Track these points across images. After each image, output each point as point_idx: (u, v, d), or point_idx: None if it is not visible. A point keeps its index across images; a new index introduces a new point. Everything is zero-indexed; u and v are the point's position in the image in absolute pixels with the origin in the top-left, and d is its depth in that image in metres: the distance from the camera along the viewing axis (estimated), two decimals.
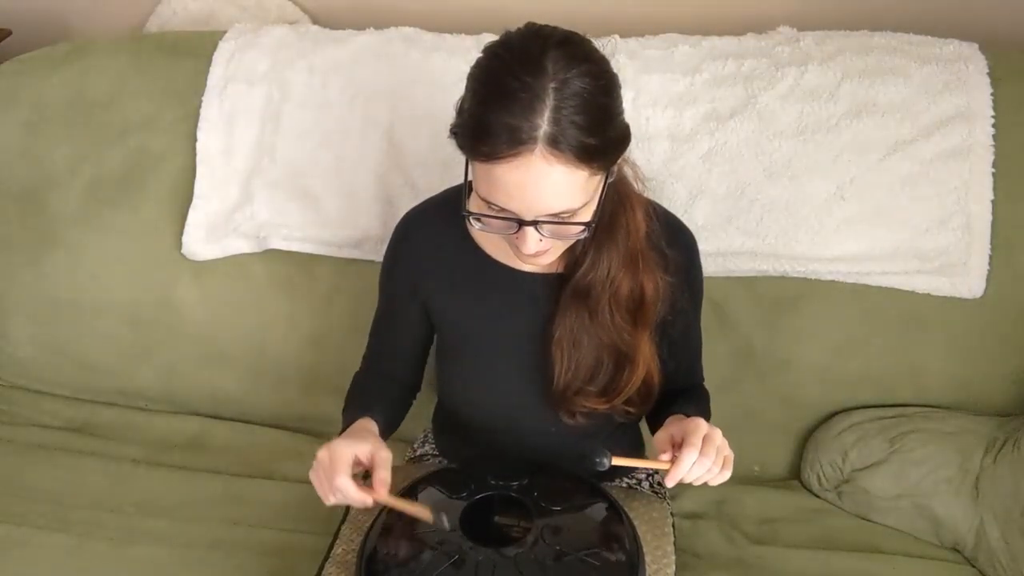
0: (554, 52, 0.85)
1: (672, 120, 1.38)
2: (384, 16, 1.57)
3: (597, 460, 0.92)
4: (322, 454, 0.95)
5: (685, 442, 0.93)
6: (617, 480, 1.26)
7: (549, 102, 0.83)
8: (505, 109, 0.84)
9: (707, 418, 1.11)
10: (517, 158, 0.84)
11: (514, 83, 0.84)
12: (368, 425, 1.06)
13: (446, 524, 0.94)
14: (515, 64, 0.85)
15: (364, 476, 0.98)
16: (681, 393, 1.13)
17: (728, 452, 0.94)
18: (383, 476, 0.95)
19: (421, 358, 1.19)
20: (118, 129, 1.53)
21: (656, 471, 1.31)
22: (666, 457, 0.94)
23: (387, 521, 1.02)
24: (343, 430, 1.06)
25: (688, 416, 0.99)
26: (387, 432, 1.11)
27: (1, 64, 1.63)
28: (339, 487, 0.92)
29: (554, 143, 0.84)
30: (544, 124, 0.83)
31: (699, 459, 0.91)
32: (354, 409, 1.10)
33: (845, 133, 1.34)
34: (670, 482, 0.92)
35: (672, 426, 0.98)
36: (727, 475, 0.94)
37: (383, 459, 0.96)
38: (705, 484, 0.94)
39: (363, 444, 0.97)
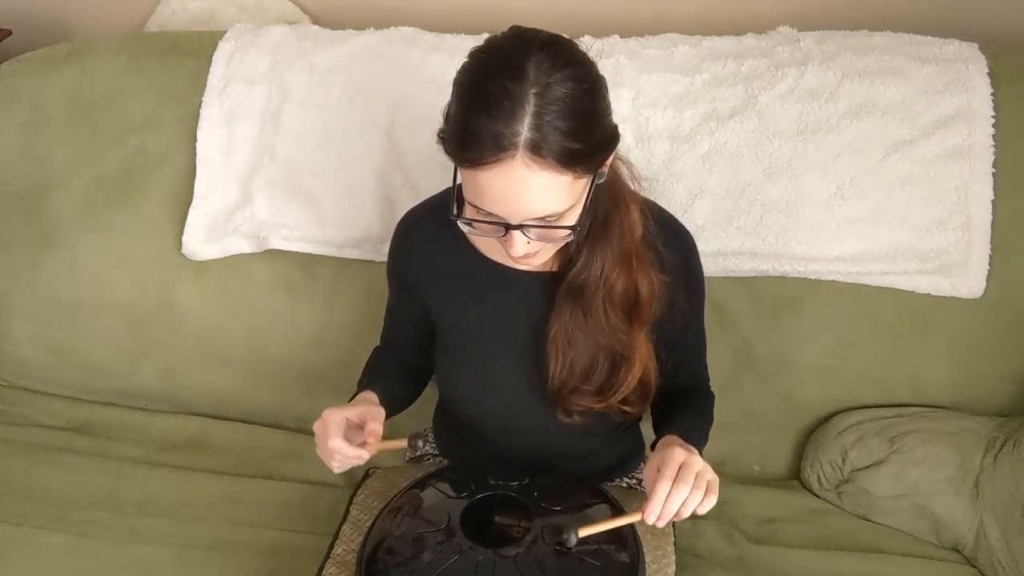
0: (537, 56, 0.85)
1: (672, 120, 1.38)
2: (384, 16, 1.57)
3: (564, 536, 0.93)
4: (316, 426, 1.00)
5: (659, 474, 0.93)
6: (617, 480, 1.26)
7: (530, 108, 0.83)
8: (487, 115, 0.84)
9: (708, 426, 1.12)
10: (499, 164, 0.84)
11: (496, 88, 0.84)
12: (368, 396, 1.09)
13: (420, 444, 0.99)
14: (497, 69, 0.85)
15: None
16: (682, 398, 1.13)
17: (711, 477, 0.93)
18: (372, 428, 1.00)
19: (429, 345, 1.19)
20: (118, 129, 1.53)
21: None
22: (636, 517, 0.94)
23: (387, 521, 1.03)
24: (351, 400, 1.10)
25: (682, 432, 1.01)
26: (396, 405, 1.15)
27: (1, 64, 1.63)
28: (333, 448, 0.97)
29: (535, 149, 0.84)
30: (525, 130, 0.83)
31: (675, 488, 0.91)
32: (364, 383, 1.15)
33: (845, 133, 1.34)
34: (650, 520, 0.92)
35: (657, 456, 0.98)
36: (712, 501, 0.92)
37: (374, 414, 1.01)
38: (694, 516, 0.93)
39: (352, 408, 1.02)
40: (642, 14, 1.58)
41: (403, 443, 1.00)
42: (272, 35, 1.53)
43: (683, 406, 1.11)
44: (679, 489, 0.91)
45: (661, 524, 0.92)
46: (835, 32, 1.42)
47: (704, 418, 1.13)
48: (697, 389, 1.18)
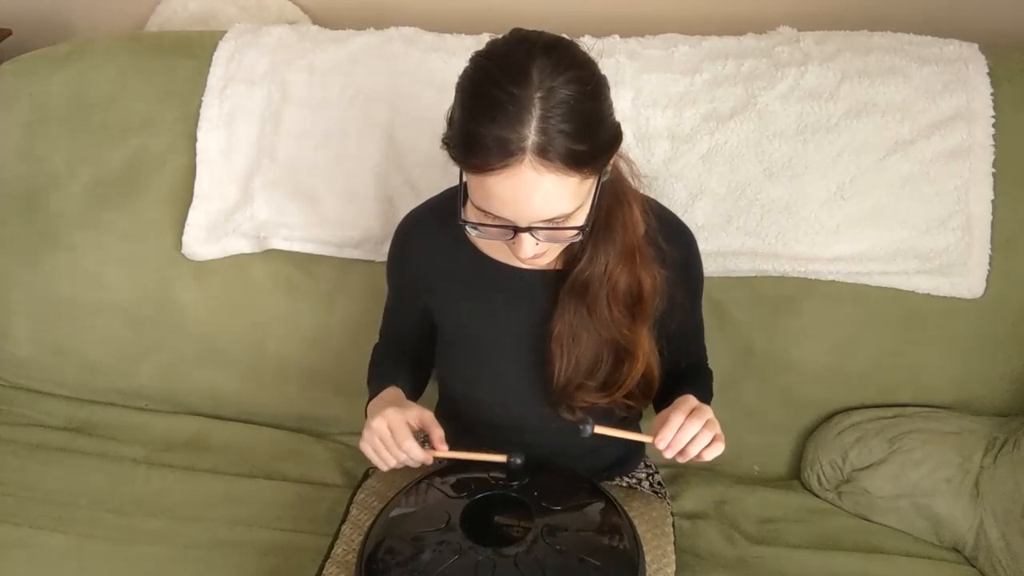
0: (540, 60, 0.85)
1: (672, 120, 1.38)
2: (384, 16, 1.57)
3: (581, 427, 0.96)
4: (379, 424, 1.00)
5: (673, 408, 0.97)
6: (617, 479, 1.26)
7: (536, 112, 0.84)
8: (493, 121, 0.84)
9: (709, 397, 1.14)
10: (507, 169, 0.85)
11: (501, 94, 0.84)
12: (399, 394, 1.10)
13: (520, 461, 0.99)
14: (500, 74, 0.86)
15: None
16: (684, 376, 1.14)
17: (719, 431, 0.97)
18: (440, 434, 1.03)
19: (431, 337, 1.20)
20: (118, 129, 1.53)
21: (656, 471, 1.31)
22: (649, 438, 0.97)
23: (387, 521, 1.03)
24: (370, 399, 1.11)
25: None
26: (410, 398, 1.16)
27: (1, 64, 1.63)
28: (408, 450, 0.99)
29: (543, 153, 0.84)
30: (532, 134, 0.84)
31: (688, 420, 0.95)
32: (379, 380, 1.15)
33: (845, 133, 1.34)
34: (660, 445, 0.95)
35: (668, 408, 1.01)
36: (720, 447, 0.96)
37: (431, 418, 1.04)
38: (700, 461, 0.96)
39: (410, 410, 1.03)
40: (642, 14, 1.58)
41: (500, 458, 1.01)
42: (272, 35, 1.53)
43: (686, 383, 1.12)
44: (692, 422, 0.95)
45: (669, 454, 0.96)
46: (835, 32, 1.42)
47: (705, 394, 1.15)
48: (697, 366, 1.20)
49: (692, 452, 0.95)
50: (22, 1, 1.91)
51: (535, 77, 0.84)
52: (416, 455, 1.00)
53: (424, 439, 1.05)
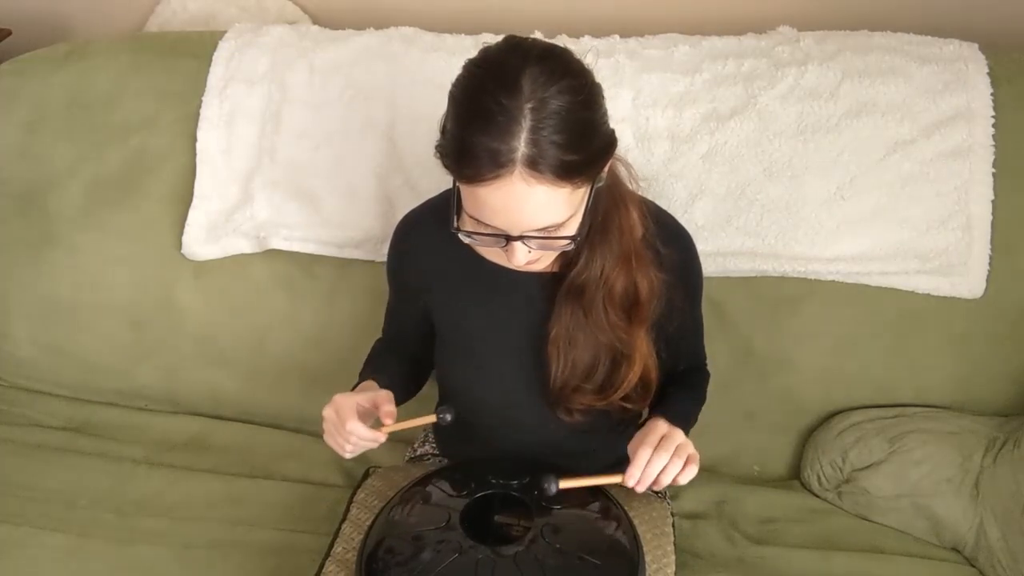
0: (532, 69, 0.85)
1: (672, 120, 1.38)
2: (384, 16, 1.58)
3: (545, 486, 0.96)
4: (328, 412, 1.00)
5: (639, 442, 0.97)
6: None
7: (526, 123, 0.83)
8: (483, 132, 0.84)
9: (698, 407, 1.16)
10: (497, 180, 0.85)
11: (491, 104, 0.84)
12: (371, 385, 1.10)
13: (449, 417, 0.99)
14: (492, 84, 0.85)
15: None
16: (677, 381, 1.15)
17: (692, 451, 0.97)
18: (388, 409, 1.01)
19: (430, 339, 1.20)
20: (118, 129, 1.53)
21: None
22: (617, 479, 0.97)
23: (387, 520, 1.03)
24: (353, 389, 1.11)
25: (668, 414, 1.04)
26: (398, 396, 1.14)
27: (1, 64, 1.63)
28: (351, 431, 0.97)
29: (533, 164, 0.84)
30: (522, 146, 0.83)
31: (655, 455, 0.95)
32: (366, 373, 1.15)
33: (845, 133, 1.34)
34: (630, 483, 0.96)
35: (642, 431, 1.01)
36: (693, 471, 0.96)
37: (384, 396, 1.02)
38: (675, 484, 0.97)
39: (363, 393, 1.03)
40: (642, 14, 1.58)
41: (431, 418, 1.00)
42: (272, 35, 1.53)
43: (676, 387, 1.13)
44: (659, 456, 0.95)
45: (640, 489, 0.96)
46: (835, 32, 1.42)
47: (694, 400, 1.16)
48: (695, 370, 1.21)
49: (664, 482, 0.96)
50: (22, 1, 1.91)
51: (526, 88, 0.84)
52: (361, 433, 0.97)
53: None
